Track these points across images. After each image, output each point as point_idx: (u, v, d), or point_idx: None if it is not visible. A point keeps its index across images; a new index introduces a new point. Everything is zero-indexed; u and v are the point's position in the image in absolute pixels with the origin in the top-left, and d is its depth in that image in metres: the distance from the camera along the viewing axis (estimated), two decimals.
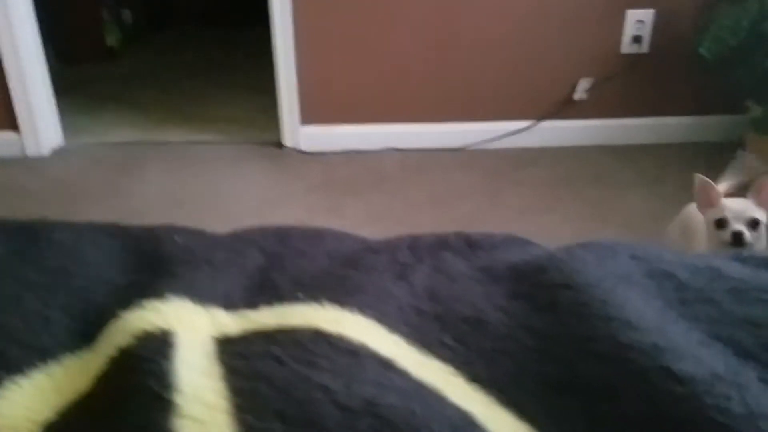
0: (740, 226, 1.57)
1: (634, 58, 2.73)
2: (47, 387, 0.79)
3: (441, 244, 1.05)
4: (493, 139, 2.84)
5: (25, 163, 2.87)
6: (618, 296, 0.87)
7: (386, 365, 0.80)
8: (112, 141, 3.04)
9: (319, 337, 0.82)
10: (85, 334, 0.87)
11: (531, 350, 0.85)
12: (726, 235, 1.58)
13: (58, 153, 2.95)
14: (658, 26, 2.69)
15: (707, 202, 1.63)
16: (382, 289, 0.94)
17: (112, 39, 4.07)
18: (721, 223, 1.59)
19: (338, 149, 2.87)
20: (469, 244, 1.06)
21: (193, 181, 2.70)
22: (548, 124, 2.83)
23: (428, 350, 0.85)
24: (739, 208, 1.58)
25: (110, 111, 3.35)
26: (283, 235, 1.12)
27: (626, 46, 2.73)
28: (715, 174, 1.80)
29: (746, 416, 0.68)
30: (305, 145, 2.90)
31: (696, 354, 0.77)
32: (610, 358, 0.79)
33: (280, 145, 2.92)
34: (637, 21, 2.69)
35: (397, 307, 0.91)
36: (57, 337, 0.85)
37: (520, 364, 0.83)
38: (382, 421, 0.71)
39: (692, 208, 1.76)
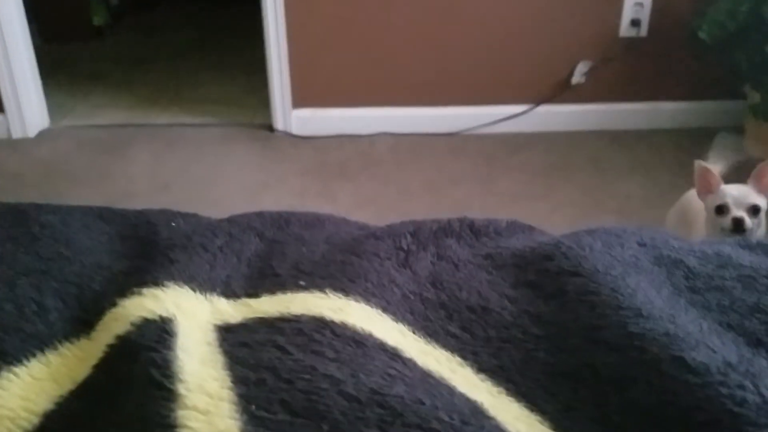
0: (741, 213, 1.57)
1: (632, 42, 2.71)
2: (44, 376, 0.77)
3: (444, 230, 1.03)
4: (488, 124, 2.82)
5: (10, 144, 2.82)
6: (628, 284, 0.86)
7: (393, 355, 0.79)
8: (99, 123, 3.00)
9: (323, 325, 0.81)
10: (82, 321, 0.85)
11: (538, 339, 0.84)
12: (726, 221, 1.57)
13: (43, 135, 2.90)
14: (657, 9, 2.67)
15: (707, 188, 1.62)
16: (386, 277, 0.92)
17: (98, 18, 3.99)
18: (721, 210, 1.59)
19: (330, 133, 2.84)
20: (472, 231, 1.04)
21: (180, 164, 2.67)
22: (545, 109, 2.81)
23: (434, 339, 0.84)
24: (739, 195, 1.58)
25: (97, 92, 3.30)
26: (281, 220, 1.09)
27: (624, 30, 2.70)
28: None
29: (761, 406, 0.67)
30: (297, 129, 2.86)
31: (708, 343, 0.76)
32: (621, 347, 0.78)
33: (270, 128, 2.89)
34: (636, 4, 2.67)
35: (402, 295, 0.90)
36: (53, 325, 0.83)
37: (528, 353, 0.82)
38: (390, 411, 0.69)
39: (691, 195, 1.76)
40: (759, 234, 1.58)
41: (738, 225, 1.55)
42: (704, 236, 1.63)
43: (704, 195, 1.63)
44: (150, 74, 3.52)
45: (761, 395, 0.68)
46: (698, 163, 1.64)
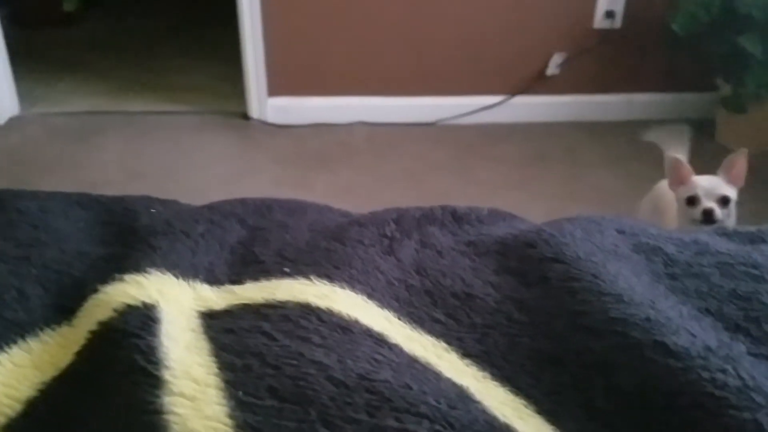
0: (711, 204, 1.60)
1: (606, 34, 2.74)
2: (26, 363, 0.76)
3: (427, 217, 1.04)
4: (464, 115, 2.83)
5: None
6: (608, 270, 0.87)
7: (379, 340, 0.79)
8: (70, 110, 2.95)
9: (309, 312, 0.81)
10: (63, 308, 0.84)
11: (522, 325, 0.84)
12: (697, 212, 1.60)
13: (13, 122, 2.84)
14: (631, 1, 2.69)
15: (679, 179, 1.65)
16: (370, 264, 0.92)
17: (69, 4, 3.92)
18: (692, 201, 1.61)
19: (307, 122, 2.82)
20: (455, 218, 1.05)
21: (154, 153, 2.63)
22: (520, 100, 2.82)
23: (420, 325, 0.84)
24: (709, 186, 1.61)
25: (68, 79, 3.24)
26: (263, 207, 1.09)
27: (599, 21, 2.73)
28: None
29: (741, 389, 0.68)
30: (272, 117, 2.84)
31: (688, 328, 0.77)
32: (603, 333, 0.79)
33: (245, 116, 2.86)
34: None
35: (386, 281, 0.90)
36: (34, 312, 0.81)
37: (512, 338, 0.83)
38: (377, 396, 0.69)
39: (663, 185, 1.78)
40: (729, 224, 1.61)
41: (708, 216, 1.58)
42: (676, 226, 1.66)
43: (676, 186, 1.66)
44: (123, 61, 3.46)
45: (741, 378, 0.70)
46: (669, 155, 1.67)
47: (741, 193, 1.63)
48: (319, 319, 0.80)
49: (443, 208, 1.06)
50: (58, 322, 0.82)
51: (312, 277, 0.87)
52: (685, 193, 1.63)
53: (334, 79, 2.80)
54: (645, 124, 2.77)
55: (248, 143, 2.74)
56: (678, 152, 1.74)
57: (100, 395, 0.72)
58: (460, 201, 1.10)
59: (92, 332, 0.78)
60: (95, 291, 0.84)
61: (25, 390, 0.73)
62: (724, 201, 1.60)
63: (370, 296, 0.86)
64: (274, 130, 2.81)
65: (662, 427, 0.70)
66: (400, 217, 1.03)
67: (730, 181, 1.61)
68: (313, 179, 2.47)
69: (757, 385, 0.69)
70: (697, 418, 0.68)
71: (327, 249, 0.94)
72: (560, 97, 2.83)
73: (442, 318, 0.86)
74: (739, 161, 1.59)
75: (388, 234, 0.99)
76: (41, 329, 0.80)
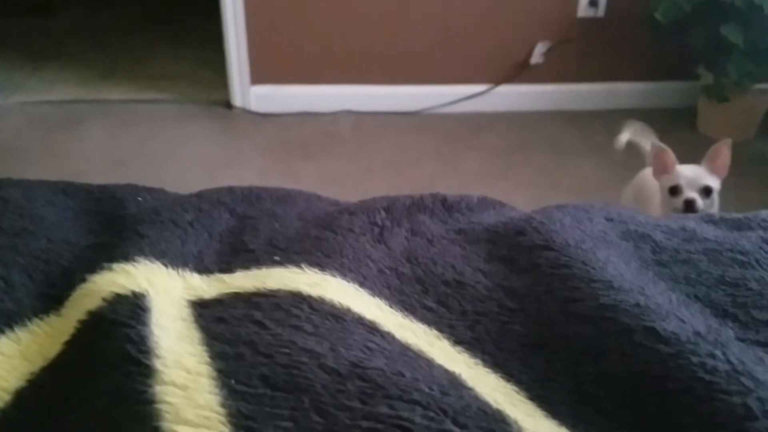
0: (693, 194, 1.61)
1: (590, 22, 2.74)
2: (14, 353, 0.75)
3: (417, 206, 1.04)
4: (448, 104, 2.83)
5: None
6: (598, 257, 0.88)
7: (371, 329, 0.79)
8: (50, 99, 2.91)
9: (301, 300, 0.80)
10: (51, 297, 0.83)
11: (513, 312, 0.85)
12: (679, 202, 1.61)
13: None
14: None
15: (662, 168, 1.66)
16: (362, 252, 0.92)
17: None
18: (674, 190, 1.62)
19: (291, 110, 2.81)
20: (445, 207, 1.05)
21: (135, 142, 2.61)
22: (504, 89, 2.83)
23: (411, 313, 0.84)
24: (692, 176, 1.62)
25: (48, 67, 3.19)
26: (252, 196, 1.08)
27: (583, 10, 2.73)
28: (668, 141, 1.83)
29: (730, 373, 0.69)
30: (256, 106, 2.82)
31: (678, 314, 0.78)
32: (594, 319, 0.80)
33: (229, 105, 2.84)
34: None
35: (377, 270, 0.90)
36: (21, 302, 0.80)
37: (503, 325, 0.83)
38: (370, 383, 0.69)
39: (646, 174, 1.80)
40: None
41: (689, 206, 1.59)
42: (658, 215, 1.67)
43: (659, 175, 1.67)
44: (103, 49, 3.42)
45: (730, 363, 0.70)
46: (653, 144, 1.67)
47: (723, 180, 1.64)
48: (311, 307, 0.79)
49: (433, 196, 1.06)
50: (46, 312, 0.81)
51: (303, 265, 0.87)
52: (668, 182, 1.64)
53: (318, 67, 2.79)
54: (628, 113, 2.80)
55: (231, 132, 2.72)
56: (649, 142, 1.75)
57: (90, 385, 0.71)
58: (444, 190, 1.10)
59: (81, 322, 0.77)
60: (83, 280, 0.83)
61: (13, 380, 0.72)
62: (706, 191, 1.61)
63: (361, 284, 0.86)
64: (257, 119, 2.79)
65: (652, 412, 0.70)
66: (390, 205, 1.03)
67: (714, 171, 1.62)
68: (298, 169, 2.46)
69: (746, 370, 0.70)
70: (687, 403, 0.68)
71: (317, 237, 0.94)
72: (544, 86, 2.84)
73: (434, 306, 0.86)
74: (723, 151, 1.60)
75: (379, 222, 0.99)
76: (29, 319, 0.79)
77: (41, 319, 0.80)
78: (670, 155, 1.65)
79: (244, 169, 2.46)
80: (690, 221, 1.00)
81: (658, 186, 1.69)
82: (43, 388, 0.72)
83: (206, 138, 2.66)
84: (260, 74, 2.79)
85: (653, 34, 2.53)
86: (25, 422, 0.69)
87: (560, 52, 2.77)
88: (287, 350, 0.73)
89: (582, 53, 2.79)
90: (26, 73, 3.11)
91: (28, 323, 0.79)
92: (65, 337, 0.77)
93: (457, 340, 0.81)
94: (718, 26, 2.33)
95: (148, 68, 3.19)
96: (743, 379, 0.69)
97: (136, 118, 2.77)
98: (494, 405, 0.71)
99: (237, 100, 2.83)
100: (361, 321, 0.79)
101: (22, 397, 0.70)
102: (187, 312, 0.81)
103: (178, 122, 2.75)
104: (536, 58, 2.78)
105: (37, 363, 0.74)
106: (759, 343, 0.77)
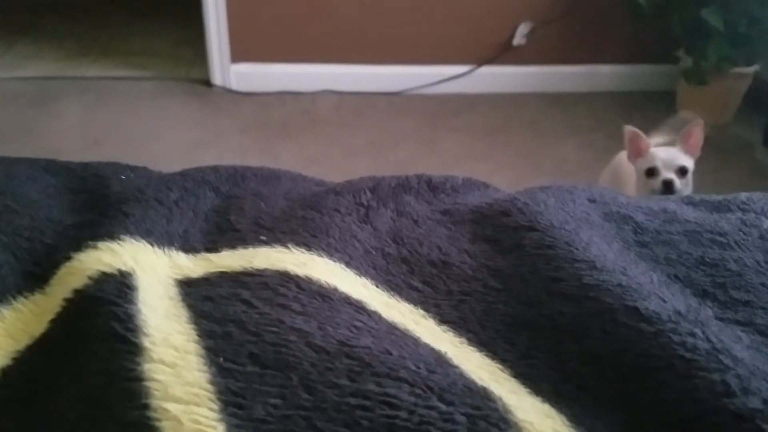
0: (670, 174, 1.64)
1: (572, 3, 2.75)
2: None
3: (402, 186, 1.04)
4: (430, 84, 2.82)
5: None
6: (581, 238, 0.89)
7: (358, 308, 0.79)
8: (24, 75, 2.86)
9: (288, 279, 0.80)
10: (35, 275, 0.82)
11: (497, 291, 0.86)
12: (656, 183, 1.64)
13: None
14: None
15: (637, 151, 1.68)
16: (348, 232, 0.92)
17: None
18: (651, 172, 1.65)
19: (271, 89, 2.79)
20: (430, 187, 1.05)
21: (112, 120, 2.58)
22: (486, 70, 2.83)
23: (397, 293, 0.85)
24: (668, 157, 1.65)
25: (22, 43, 3.13)
26: (237, 175, 1.08)
27: None
28: (647, 123, 1.86)
29: (710, 351, 0.71)
30: (236, 84, 2.80)
31: (659, 293, 0.79)
32: (577, 298, 0.81)
33: (208, 83, 2.81)
34: None
35: (364, 250, 0.90)
36: (5, 279, 0.79)
37: (488, 305, 0.84)
38: (358, 361, 0.70)
39: (623, 156, 1.82)
40: (687, 193, 1.66)
41: (668, 187, 1.62)
42: (635, 197, 1.70)
43: (635, 158, 1.69)
44: (78, 24, 3.36)
45: (710, 341, 0.72)
46: (628, 128, 1.69)
47: (701, 163, 1.67)
48: (298, 286, 0.80)
49: (419, 177, 1.06)
50: (31, 290, 0.80)
51: (290, 245, 0.87)
52: (644, 164, 1.66)
53: (299, 46, 2.77)
54: (608, 95, 2.82)
55: (211, 111, 2.70)
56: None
57: (77, 363, 0.71)
58: (426, 171, 1.11)
59: (67, 300, 0.77)
60: (68, 258, 0.82)
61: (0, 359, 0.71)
62: (682, 171, 1.64)
63: (347, 264, 0.86)
64: (237, 98, 2.77)
65: (634, 388, 0.72)
66: (375, 185, 1.03)
67: (688, 151, 1.65)
68: (278, 149, 2.45)
69: (725, 348, 0.72)
70: (668, 380, 0.70)
71: (303, 217, 0.94)
72: (526, 67, 2.84)
73: (419, 286, 0.86)
74: (696, 132, 1.63)
75: (365, 203, 0.99)
76: (14, 297, 0.78)
77: (26, 297, 0.79)
78: (644, 139, 1.67)
79: (223, 148, 2.45)
80: (671, 203, 1.02)
81: (633, 169, 1.72)
82: (29, 366, 0.71)
83: (185, 116, 2.64)
84: (240, 52, 2.76)
85: (634, 17, 2.54)
86: (11, 400, 0.69)
87: (542, 34, 2.77)
88: (275, 329, 0.73)
89: (564, 35, 2.80)
90: (1, 49, 3.05)
91: (13, 301, 0.78)
92: (51, 315, 0.76)
93: (443, 319, 0.82)
94: (698, 10, 2.35)
95: (126, 45, 3.15)
96: (722, 357, 0.71)
97: (114, 95, 2.74)
98: (479, 382, 0.72)
99: (216, 79, 2.80)
100: (348, 300, 0.80)
101: (7, 375, 0.70)
102: (174, 291, 0.81)
103: (157, 100, 2.72)
104: (518, 39, 2.79)
105: (23, 341, 0.74)
106: (737, 322, 0.78)
